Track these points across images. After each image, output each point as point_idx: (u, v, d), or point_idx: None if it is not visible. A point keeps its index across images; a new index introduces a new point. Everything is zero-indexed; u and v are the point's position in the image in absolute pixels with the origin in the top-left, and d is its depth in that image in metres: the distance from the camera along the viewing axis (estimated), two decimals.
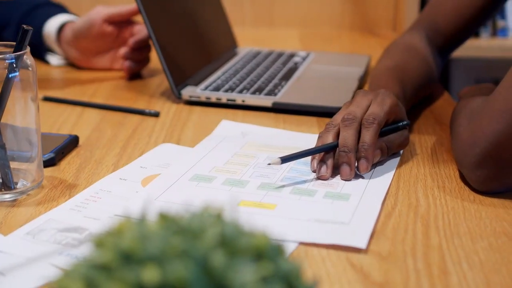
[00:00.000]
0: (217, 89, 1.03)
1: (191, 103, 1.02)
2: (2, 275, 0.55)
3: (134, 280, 0.31)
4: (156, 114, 0.96)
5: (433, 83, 1.03)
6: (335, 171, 0.75)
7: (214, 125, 0.92)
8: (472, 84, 1.13)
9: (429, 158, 0.82)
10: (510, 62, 1.77)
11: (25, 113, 0.69)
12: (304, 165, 0.78)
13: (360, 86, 1.08)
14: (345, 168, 0.74)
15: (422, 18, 1.07)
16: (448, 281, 0.56)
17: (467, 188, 0.74)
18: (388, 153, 0.78)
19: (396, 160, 0.81)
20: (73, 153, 0.82)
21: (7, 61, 0.67)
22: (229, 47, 1.27)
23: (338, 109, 0.96)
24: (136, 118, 0.95)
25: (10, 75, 0.67)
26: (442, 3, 1.03)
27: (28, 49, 0.68)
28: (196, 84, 1.05)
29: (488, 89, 0.94)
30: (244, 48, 1.30)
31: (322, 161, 0.75)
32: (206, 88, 1.03)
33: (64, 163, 0.79)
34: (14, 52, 0.68)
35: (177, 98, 1.02)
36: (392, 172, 0.77)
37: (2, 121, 0.68)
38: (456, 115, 0.80)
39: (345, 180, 0.74)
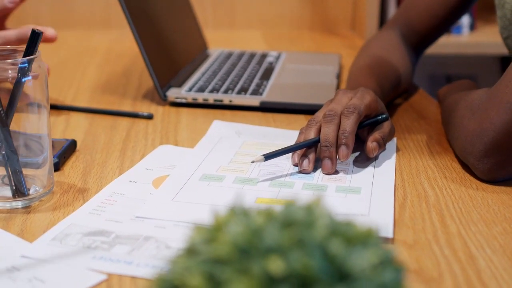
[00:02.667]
0: (201, 90, 1.03)
1: (176, 104, 1.02)
2: (42, 282, 0.54)
3: (259, 271, 0.32)
4: (149, 117, 0.95)
5: (409, 80, 1.07)
6: (316, 165, 0.77)
7: (205, 125, 0.92)
8: (426, 79, 1.18)
9: (423, 151, 0.85)
10: (463, 58, 1.84)
11: (37, 118, 0.68)
12: None
13: (338, 83, 1.10)
14: (327, 162, 0.76)
15: (396, 17, 1.10)
16: (477, 265, 0.59)
17: (467, 178, 0.77)
18: (384, 143, 0.81)
19: (393, 154, 0.83)
20: (73, 158, 0.81)
21: (19, 65, 0.66)
22: (201, 49, 1.27)
23: None
24: (126, 121, 0.95)
25: (23, 79, 0.66)
26: (416, 2, 1.07)
27: (39, 53, 0.67)
28: (179, 85, 1.05)
29: (467, 85, 0.98)
30: (215, 49, 1.31)
31: (304, 156, 0.77)
32: (190, 89, 1.03)
33: (67, 167, 0.78)
34: (24, 56, 0.67)
35: (162, 100, 1.02)
36: (393, 165, 0.80)
37: (14, 127, 0.67)
38: (453, 108, 0.82)
39: (326, 174, 0.76)
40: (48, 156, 0.69)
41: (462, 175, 0.77)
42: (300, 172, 0.76)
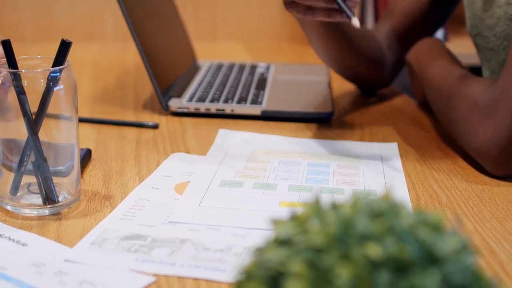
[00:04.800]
0: (202, 100, 1.05)
1: (178, 114, 1.04)
2: (92, 285, 0.56)
3: (360, 257, 0.34)
4: (155, 126, 0.97)
5: (377, 62, 1.09)
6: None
7: (210, 134, 0.94)
8: (401, 88, 1.22)
9: (425, 156, 0.88)
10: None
11: (66, 127, 0.69)
12: (320, 167, 0.83)
13: (331, 93, 1.14)
14: None
15: (384, 14, 1.14)
16: (499, 259, 0.62)
17: (472, 179, 0.81)
18: None
19: (398, 159, 0.87)
20: (90, 166, 0.82)
21: (51, 74, 0.67)
22: (192, 60, 1.29)
23: (325, 115, 1.02)
24: (132, 130, 0.96)
25: (54, 88, 0.67)
26: (394, 5, 1.12)
27: (69, 63, 0.68)
28: (178, 96, 1.07)
29: (432, 44, 1.02)
30: (204, 61, 1.33)
31: None
32: (190, 99, 1.05)
33: (86, 176, 0.79)
34: (53, 65, 0.68)
35: (164, 110, 1.03)
36: (401, 169, 0.83)
37: (43, 136, 0.68)
38: (452, 100, 0.85)
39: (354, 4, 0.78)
40: (75, 165, 0.71)
41: (467, 177, 0.81)
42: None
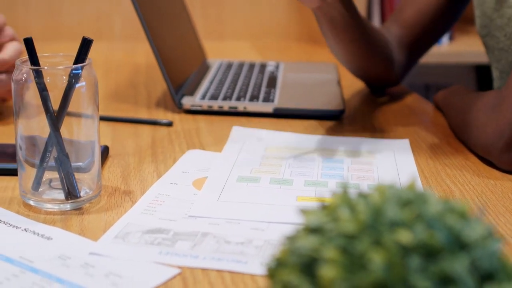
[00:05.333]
0: (214, 97, 1.07)
1: (191, 112, 1.05)
2: (119, 277, 0.57)
3: (392, 243, 0.36)
4: (169, 124, 0.98)
5: (388, 61, 1.09)
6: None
7: (224, 131, 0.96)
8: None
9: (437, 152, 0.90)
10: (441, 68, 1.91)
11: (88, 124, 0.71)
12: (335, 162, 0.84)
13: (341, 90, 1.15)
14: None
15: (390, 19, 1.15)
16: None
17: (483, 174, 0.82)
18: None
19: (410, 155, 0.88)
20: (108, 163, 0.83)
21: (73, 71, 0.68)
22: (202, 59, 1.31)
23: (337, 113, 1.03)
24: (147, 128, 0.97)
25: (76, 85, 0.68)
26: (404, 8, 1.12)
27: (90, 60, 0.70)
28: (191, 94, 1.08)
29: (461, 89, 1.04)
30: (214, 60, 1.34)
31: None
32: (203, 97, 1.07)
33: (105, 172, 0.80)
34: (75, 63, 0.70)
35: (177, 107, 1.05)
36: (414, 165, 0.84)
37: (65, 134, 0.69)
38: (467, 111, 0.88)
39: None
40: (96, 161, 0.72)
41: (478, 172, 0.83)
42: None
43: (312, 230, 0.39)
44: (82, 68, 0.69)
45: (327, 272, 0.36)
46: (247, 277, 0.57)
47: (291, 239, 0.40)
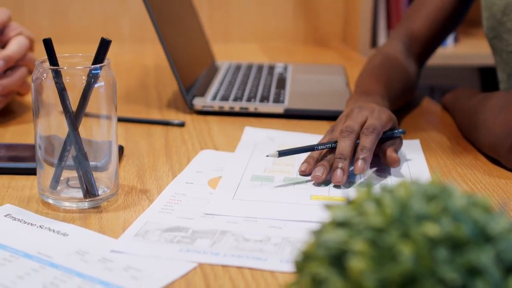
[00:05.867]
0: (225, 98, 1.08)
1: (202, 112, 1.06)
2: (138, 271, 0.58)
3: (420, 235, 0.37)
4: (181, 124, 0.99)
5: (413, 89, 1.13)
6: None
7: (236, 131, 0.97)
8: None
9: (447, 151, 0.91)
10: (446, 69, 1.92)
11: (106, 123, 0.72)
12: None
13: (350, 92, 1.16)
14: (339, 172, 0.77)
15: (399, 28, 1.16)
16: None
17: (494, 173, 0.83)
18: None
19: (421, 155, 0.89)
20: (123, 162, 0.84)
21: (92, 71, 0.69)
22: (210, 61, 1.32)
23: None
24: (159, 128, 0.98)
25: (95, 85, 0.69)
26: (416, 11, 1.13)
27: (109, 60, 0.71)
28: (201, 95, 1.09)
29: (469, 91, 1.06)
30: (223, 61, 1.35)
31: (319, 165, 0.79)
32: (214, 98, 1.08)
33: (121, 171, 0.81)
34: (93, 63, 0.71)
35: (188, 108, 1.06)
36: (425, 165, 0.85)
37: (83, 134, 0.70)
38: (476, 112, 0.90)
39: (336, 184, 0.77)
40: (113, 160, 0.73)
41: (489, 171, 0.84)
42: (312, 178, 0.78)
43: (339, 224, 0.40)
44: (100, 68, 0.70)
45: (356, 263, 0.37)
46: (267, 274, 0.58)
47: (317, 233, 0.41)
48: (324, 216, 0.65)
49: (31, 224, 0.67)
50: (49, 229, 0.66)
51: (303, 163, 0.81)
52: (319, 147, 0.81)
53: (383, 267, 0.36)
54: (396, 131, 0.85)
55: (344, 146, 0.79)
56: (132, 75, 1.33)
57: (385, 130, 0.83)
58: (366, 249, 0.37)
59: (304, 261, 0.41)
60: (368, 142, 0.79)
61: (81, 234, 0.65)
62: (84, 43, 1.60)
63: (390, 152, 0.81)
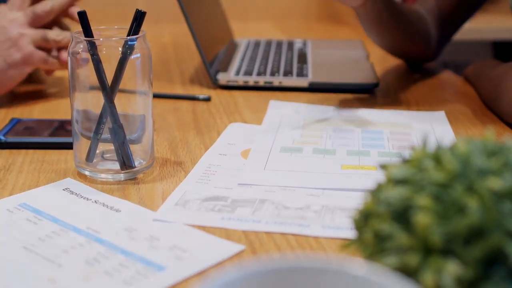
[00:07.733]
0: (248, 73, 1.08)
1: (227, 87, 1.06)
2: (183, 251, 0.57)
3: (484, 189, 0.37)
4: (208, 99, 0.99)
5: (425, 40, 1.10)
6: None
7: (262, 105, 0.97)
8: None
9: (474, 122, 0.91)
10: (459, 45, 1.91)
11: (143, 95, 0.72)
12: (374, 133, 0.86)
13: (372, 65, 1.16)
14: None
15: (424, 2, 1.16)
16: None
17: None
18: None
19: (447, 126, 0.89)
20: (154, 136, 0.85)
21: (128, 42, 0.69)
22: (229, 38, 1.32)
23: (371, 86, 1.05)
24: (186, 103, 0.99)
25: (132, 57, 0.70)
26: None
27: (144, 32, 0.71)
28: (224, 70, 1.10)
29: (493, 62, 1.06)
30: (242, 38, 1.35)
31: None
32: (237, 73, 1.08)
33: None
34: (128, 35, 0.71)
35: (213, 83, 1.06)
36: (453, 135, 0.86)
37: (119, 107, 0.70)
38: (501, 81, 0.90)
39: None
40: (149, 132, 0.73)
41: None
42: None
43: (398, 181, 0.41)
44: (136, 39, 0.70)
45: (422, 218, 0.37)
46: (311, 239, 0.59)
47: (375, 192, 0.42)
48: (358, 183, 0.65)
49: (86, 199, 0.67)
50: (103, 204, 0.66)
51: None
52: None
53: (448, 221, 0.37)
54: None
55: None
56: (153, 53, 1.33)
57: None
58: (431, 203, 0.38)
59: (364, 219, 0.41)
60: None
61: (133, 210, 0.65)
62: (100, 23, 1.60)
63: None
